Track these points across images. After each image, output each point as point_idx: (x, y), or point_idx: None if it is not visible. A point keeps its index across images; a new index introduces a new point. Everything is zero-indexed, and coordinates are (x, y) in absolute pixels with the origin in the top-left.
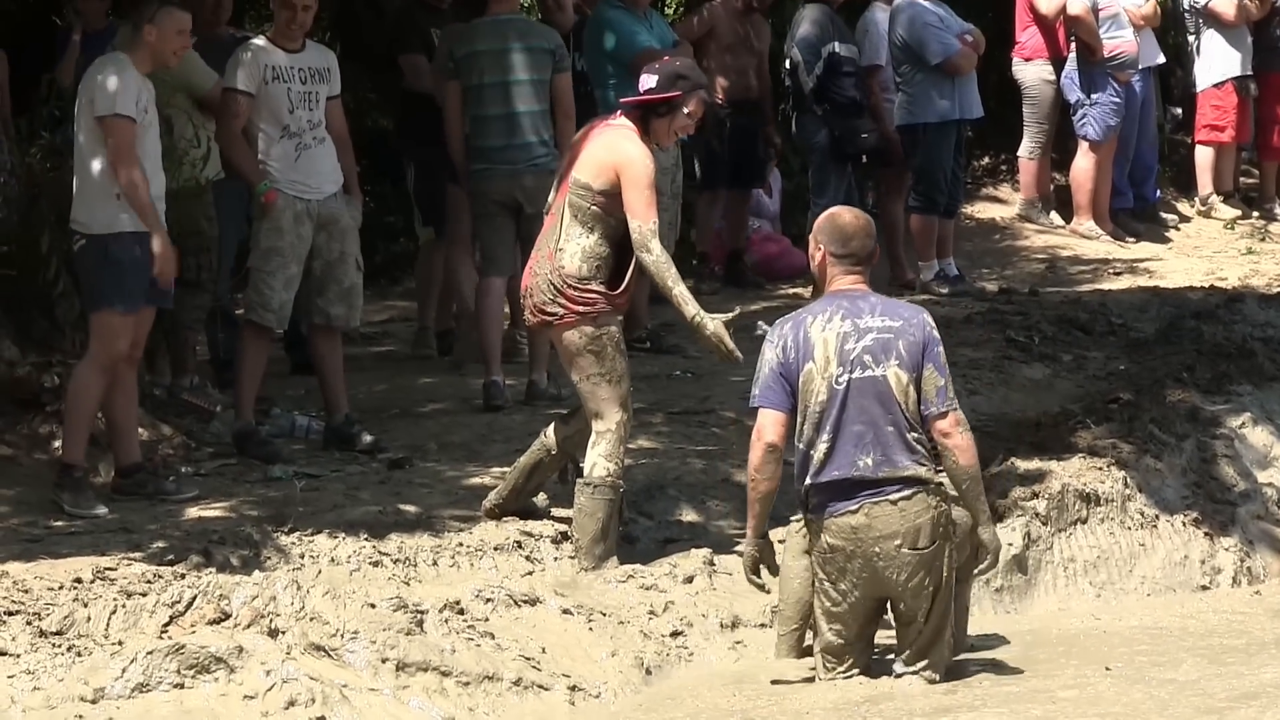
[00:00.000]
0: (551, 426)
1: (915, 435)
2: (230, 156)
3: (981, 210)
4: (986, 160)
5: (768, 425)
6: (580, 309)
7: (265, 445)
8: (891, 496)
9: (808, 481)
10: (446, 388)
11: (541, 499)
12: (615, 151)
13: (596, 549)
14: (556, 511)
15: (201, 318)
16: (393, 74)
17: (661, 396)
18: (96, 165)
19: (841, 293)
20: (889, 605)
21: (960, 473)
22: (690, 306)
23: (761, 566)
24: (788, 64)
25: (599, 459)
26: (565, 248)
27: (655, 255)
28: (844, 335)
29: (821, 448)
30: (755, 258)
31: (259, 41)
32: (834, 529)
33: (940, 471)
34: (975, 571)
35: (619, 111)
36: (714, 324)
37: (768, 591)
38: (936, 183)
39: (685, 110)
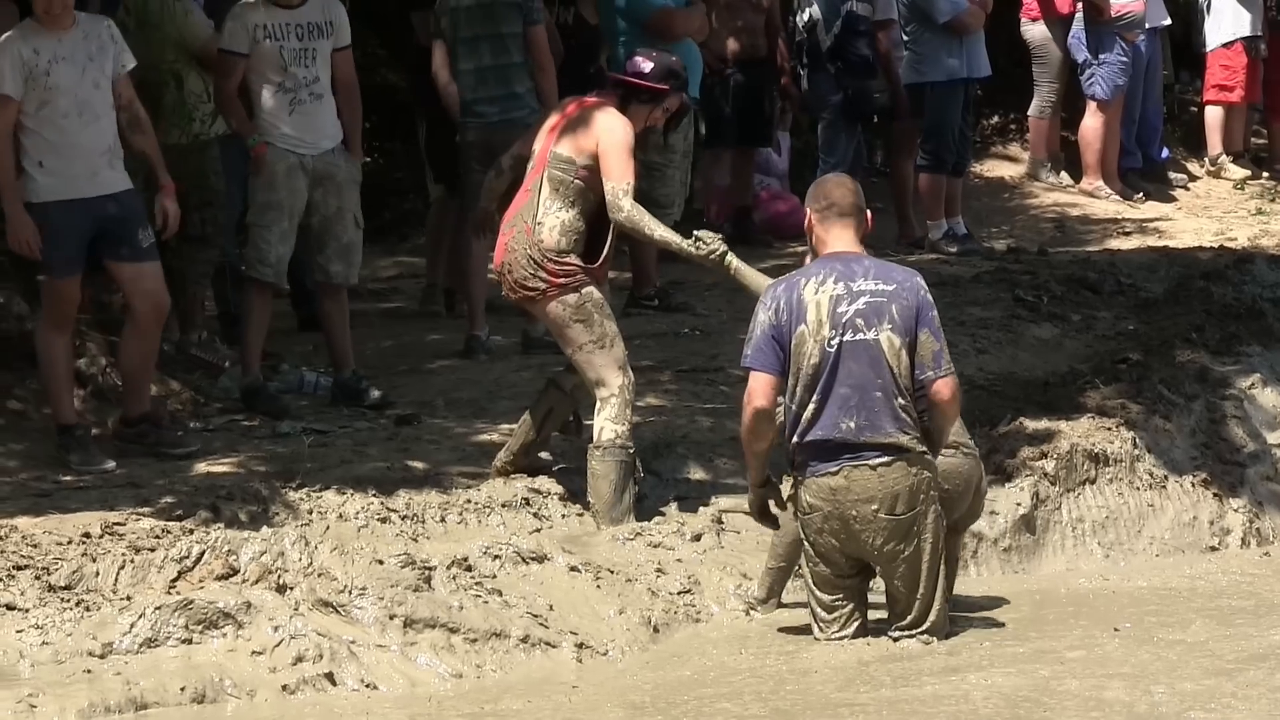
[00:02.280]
0: (555, 377)
1: (903, 403)
2: (224, 114)
3: (990, 169)
4: (995, 119)
5: (758, 389)
6: (561, 280)
7: (273, 401)
8: (871, 462)
9: (794, 440)
10: (454, 344)
11: (546, 455)
12: (595, 123)
13: (613, 511)
14: (563, 467)
15: (209, 273)
16: (404, 29)
17: (669, 354)
18: None
19: (836, 256)
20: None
21: (935, 425)
22: (677, 240)
23: (771, 503)
24: (804, 19)
25: (606, 423)
26: (544, 221)
27: (626, 212)
28: (837, 298)
29: (810, 408)
30: (763, 216)
31: None
32: (814, 489)
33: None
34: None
35: (594, 90)
36: (706, 246)
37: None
38: (945, 141)
39: (664, 105)
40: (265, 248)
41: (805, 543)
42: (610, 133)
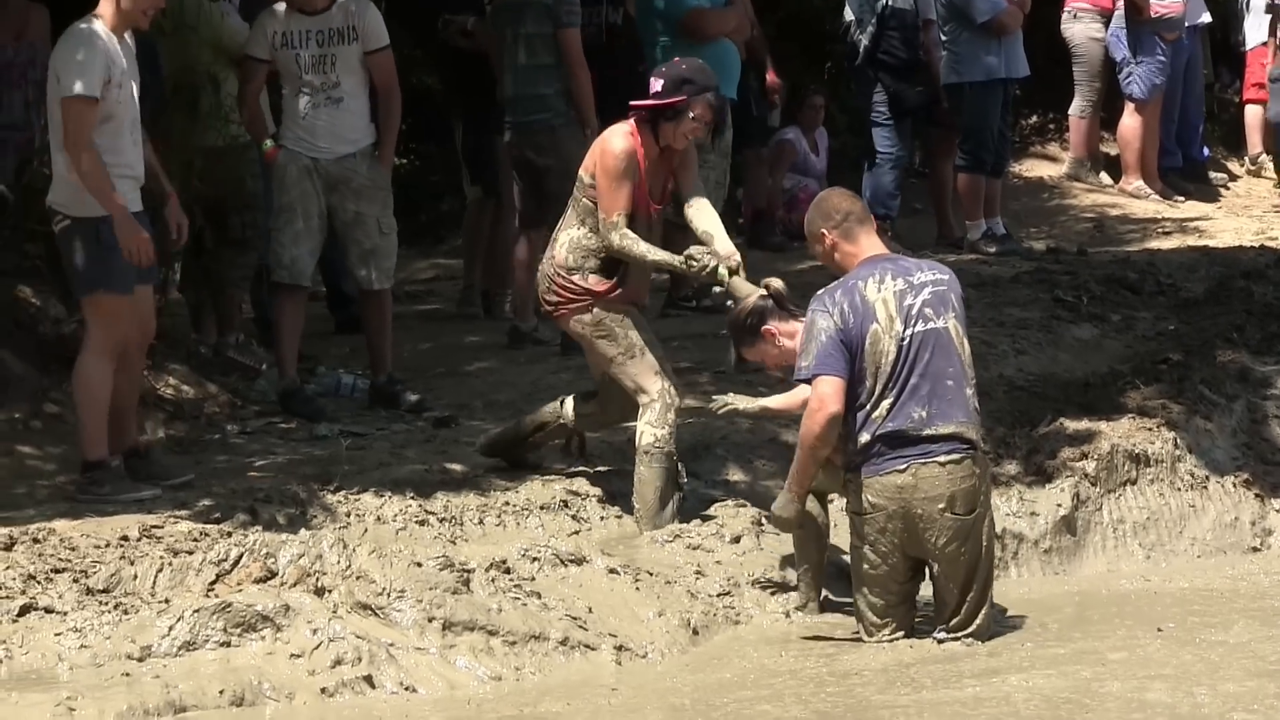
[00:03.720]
0: (571, 397)
1: (971, 393)
2: (243, 116)
3: (1030, 169)
4: (1035, 119)
5: (831, 394)
6: (569, 296)
7: (310, 403)
8: (940, 458)
9: (864, 438)
10: (492, 346)
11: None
12: (599, 143)
13: (657, 518)
14: (601, 468)
15: (248, 275)
16: (436, 30)
17: (707, 355)
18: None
19: (877, 258)
20: (927, 570)
21: None
22: (669, 260)
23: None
24: (844, 20)
25: (645, 427)
26: (558, 237)
27: (616, 245)
28: (900, 293)
29: (885, 403)
30: (801, 216)
31: (279, 5)
32: (877, 488)
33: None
34: None
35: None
36: (697, 264)
37: None
38: (984, 141)
39: (691, 115)
40: (280, 250)
41: (861, 545)
42: (604, 156)
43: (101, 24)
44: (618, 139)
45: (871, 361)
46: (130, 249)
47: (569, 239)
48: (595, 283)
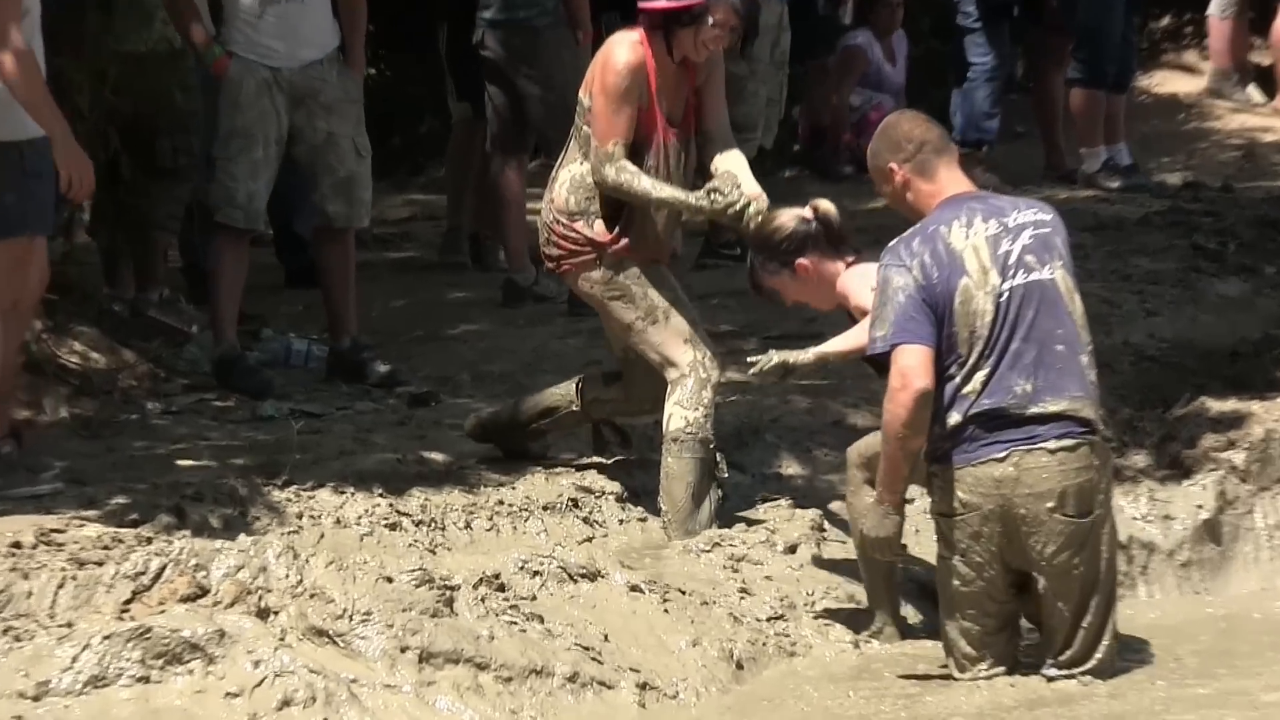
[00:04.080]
0: (585, 378)
1: (1086, 360)
2: (173, 18)
3: (1160, 84)
4: (1167, 20)
5: (917, 366)
6: (574, 248)
7: (253, 375)
8: (1048, 444)
9: (953, 419)
10: (482, 304)
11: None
12: (600, 56)
13: (689, 521)
14: (621, 459)
15: (177, 214)
16: None
17: (755, 317)
18: None
19: (961, 197)
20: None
21: None
22: (684, 197)
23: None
24: None
25: (675, 408)
26: (558, 175)
27: (611, 180)
28: (994, 237)
29: (980, 375)
30: (859, 145)
31: None
32: (970, 481)
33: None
34: None
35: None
36: (724, 198)
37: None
38: (1103, 48)
39: (710, 20)
40: (232, 185)
41: (950, 557)
42: (603, 71)
43: None
44: (622, 50)
45: (963, 324)
46: (74, 176)
47: (570, 177)
48: (602, 231)
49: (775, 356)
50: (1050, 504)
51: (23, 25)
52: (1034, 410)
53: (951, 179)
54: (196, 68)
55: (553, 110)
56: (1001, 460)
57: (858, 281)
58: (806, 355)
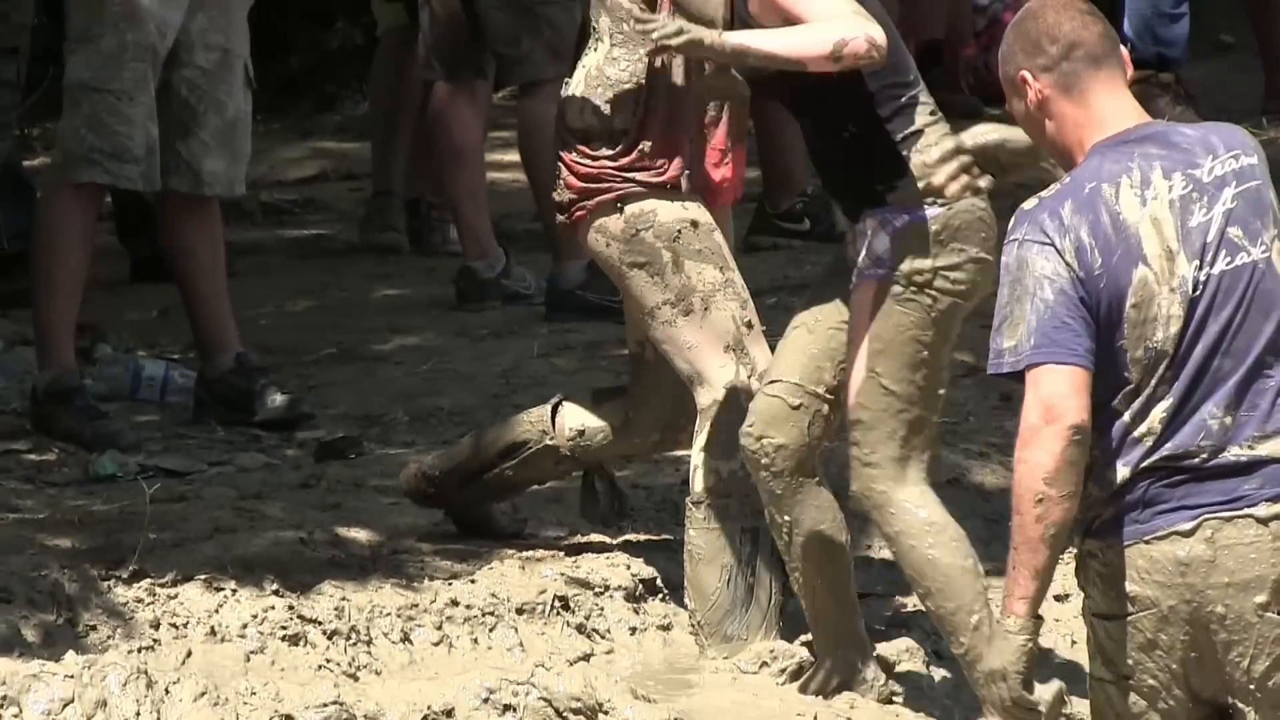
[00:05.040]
0: (562, 405)
1: None
2: None
3: None
4: None
5: (1066, 395)
6: (591, 186)
7: (87, 415)
8: (1258, 510)
9: (1120, 474)
10: (425, 305)
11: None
12: None
13: (728, 622)
14: (630, 532)
15: None
16: None
17: None
18: None
19: (1129, 134)
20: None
21: None
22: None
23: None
24: None
25: (702, 457)
26: (572, 78)
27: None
28: (1184, 200)
29: (1158, 412)
30: (988, 63)
31: None
32: (1143, 565)
33: None
34: None
35: None
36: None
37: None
38: None
39: None
40: (125, 131)
41: (1114, 679)
42: None
43: None
44: None
45: (1138, 337)
46: None
47: (586, 72)
48: (624, 151)
49: (684, 29)
50: (1261, 598)
51: None
52: (1234, 455)
53: (1115, 105)
54: None
55: (519, 12)
56: (1189, 534)
57: None
58: (718, 36)
